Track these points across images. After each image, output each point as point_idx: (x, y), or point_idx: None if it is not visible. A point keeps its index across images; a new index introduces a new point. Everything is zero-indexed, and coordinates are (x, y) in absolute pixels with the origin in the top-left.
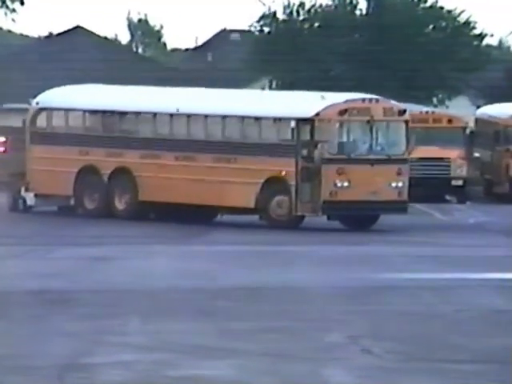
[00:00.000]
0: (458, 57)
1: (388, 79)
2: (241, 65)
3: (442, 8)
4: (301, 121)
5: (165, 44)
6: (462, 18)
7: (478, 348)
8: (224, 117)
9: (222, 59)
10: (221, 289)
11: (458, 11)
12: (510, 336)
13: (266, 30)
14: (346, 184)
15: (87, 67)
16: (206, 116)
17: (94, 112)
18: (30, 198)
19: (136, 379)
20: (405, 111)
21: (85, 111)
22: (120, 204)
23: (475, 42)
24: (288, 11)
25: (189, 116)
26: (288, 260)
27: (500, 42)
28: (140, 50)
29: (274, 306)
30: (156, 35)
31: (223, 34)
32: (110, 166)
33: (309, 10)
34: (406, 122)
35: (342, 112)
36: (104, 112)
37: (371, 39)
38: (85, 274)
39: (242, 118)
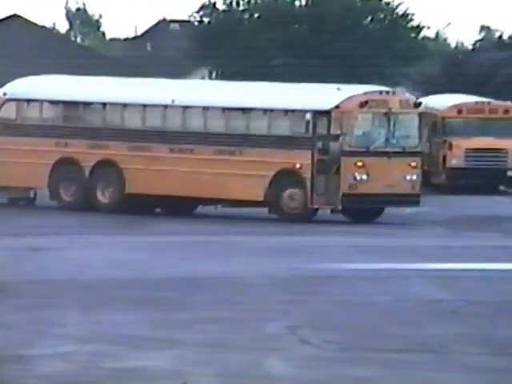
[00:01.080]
0: (396, 48)
1: (328, 69)
2: (180, 55)
3: (380, 0)
4: (318, 113)
5: (104, 33)
6: (400, 10)
7: (413, 337)
8: (231, 109)
9: (162, 49)
10: (159, 279)
11: (395, 3)
12: (444, 325)
13: (206, 20)
14: (364, 177)
15: (23, 56)
16: (215, 108)
17: (73, 103)
18: None
19: (74, 371)
20: (420, 104)
21: (64, 102)
22: (103, 197)
23: (412, 34)
24: (228, 1)
25: (205, 108)
26: (227, 250)
27: (437, 34)
28: (79, 40)
29: (213, 296)
30: (95, 24)
31: (163, 24)
32: (93, 158)
33: (249, 1)
34: (420, 114)
35: (363, 104)
36: (85, 103)
37: (310, 30)
38: (21, 264)
39: (251, 109)
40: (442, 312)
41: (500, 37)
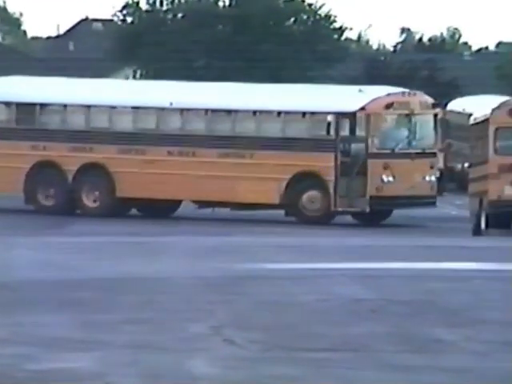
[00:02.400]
0: (319, 50)
1: (252, 70)
2: (104, 54)
3: (303, 1)
4: (341, 115)
5: (25, 32)
6: (323, 12)
7: (336, 336)
8: (254, 112)
9: (85, 48)
10: (82, 280)
11: (318, 4)
12: (366, 324)
13: (129, 19)
14: (391, 179)
15: None
16: (237, 111)
17: (51, 105)
18: None
19: None
20: (438, 104)
21: (41, 104)
22: (89, 201)
23: (335, 36)
24: (151, 1)
25: (232, 111)
26: (153, 251)
27: (359, 36)
28: None
29: (137, 297)
30: (15, 23)
31: (85, 23)
32: (76, 161)
33: (172, 1)
34: (436, 115)
35: (389, 105)
36: (67, 106)
37: (234, 30)
38: None
39: (270, 112)
40: (363, 311)
41: (420, 39)
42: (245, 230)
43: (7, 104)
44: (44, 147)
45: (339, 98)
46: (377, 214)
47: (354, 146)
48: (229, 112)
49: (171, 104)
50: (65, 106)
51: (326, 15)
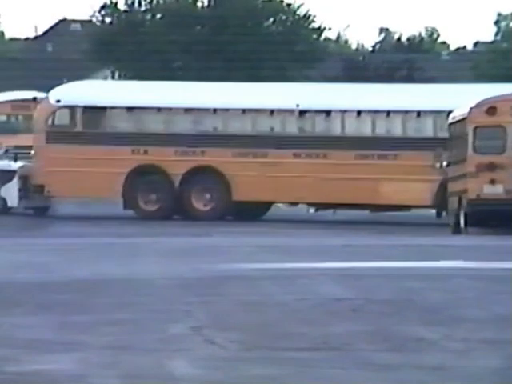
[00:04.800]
0: (297, 50)
1: (231, 71)
2: (82, 55)
3: (281, 1)
4: None
5: (3, 33)
6: (301, 12)
7: (317, 336)
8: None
9: (63, 50)
10: (60, 282)
11: (296, 5)
12: (346, 323)
13: (108, 20)
14: None
15: None
16: (389, 112)
17: (154, 109)
18: (11, 199)
19: None
20: None
21: (141, 108)
22: (199, 204)
23: (314, 36)
24: (130, 2)
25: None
26: (132, 252)
27: (338, 36)
28: None
29: (117, 298)
30: None
31: (63, 24)
32: (184, 165)
33: (151, 1)
34: None
35: None
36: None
37: (213, 31)
38: None
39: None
40: (343, 310)
41: (399, 39)
42: (222, 230)
43: (101, 109)
44: (145, 151)
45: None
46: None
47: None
48: (368, 112)
49: (298, 106)
50: (170, 109)
51: (304, 15)
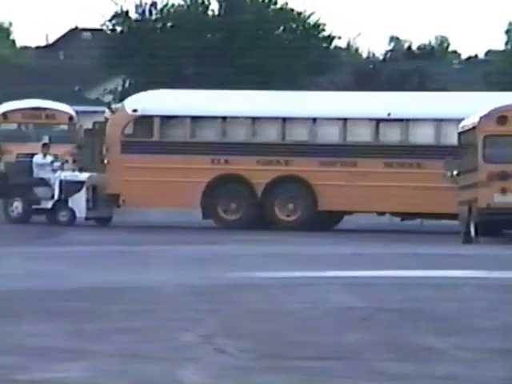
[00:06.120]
0: (308, 59)
1: (242, 79)
2: (93, 63)
3: (292, 10)
4: None
5: (14, 41)
6: (312, 21)
7: (327, 344)
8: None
9: (75, 58)
10: (71, 290)
11: (307, 13)
12: (356, 332)
13: (119, 29)
14: None
15: None
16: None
17: (235, 118)
18: (80, 210)
19: None
20: None
21: (223, 118)
22: (282, 214)
23: (324, 44)
24: (140, 10)
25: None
26: (143, 260)
27: (348, 44)
28: None
29: (127, 306)
30: (5, 32)
31: (74, 33)
32: (267, 174)
33: (161, 10)
34: None
35: None
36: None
37: (223, 39)
38: None
39: None
40: (353, 319)
41: (409, 47)
42: (231, 238)
43: (179, 118)
44: (226, 161)
45: None
46: None
47: None
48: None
49: (389, 114)
50: (253, 118)
51: (315, 24)
